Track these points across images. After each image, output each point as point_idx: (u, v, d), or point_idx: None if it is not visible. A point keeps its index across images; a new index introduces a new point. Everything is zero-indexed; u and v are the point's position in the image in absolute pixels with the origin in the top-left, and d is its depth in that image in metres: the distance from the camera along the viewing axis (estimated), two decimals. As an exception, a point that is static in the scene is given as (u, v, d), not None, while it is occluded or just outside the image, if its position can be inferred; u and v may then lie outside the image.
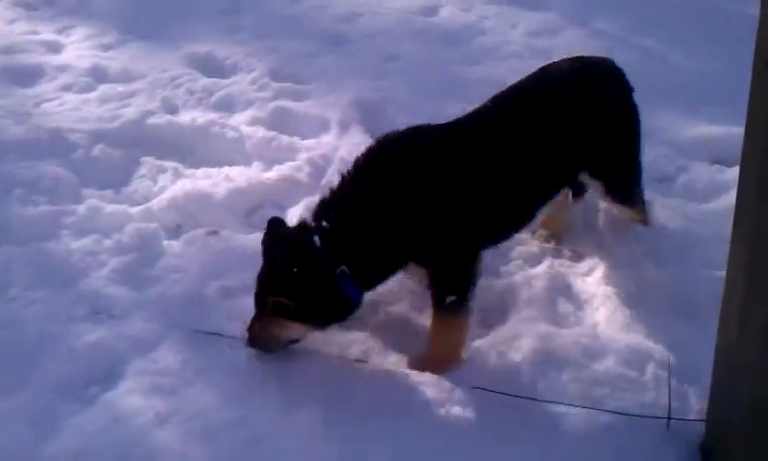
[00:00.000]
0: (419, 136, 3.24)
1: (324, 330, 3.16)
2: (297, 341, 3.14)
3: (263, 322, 3.06)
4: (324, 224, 3.05)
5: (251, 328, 3.08)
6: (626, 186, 3.78)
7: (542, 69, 3.63)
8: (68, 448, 2.75)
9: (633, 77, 5.53)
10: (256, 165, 4.49)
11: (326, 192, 3.19)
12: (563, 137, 3.41)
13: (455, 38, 6.19)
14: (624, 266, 3.70)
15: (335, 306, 3.05)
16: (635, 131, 3.72)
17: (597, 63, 3.78)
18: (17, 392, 2.99)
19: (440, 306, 3.19)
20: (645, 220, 3.92)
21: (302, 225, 3.10)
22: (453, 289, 3.17)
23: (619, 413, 2.90)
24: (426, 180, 3.11)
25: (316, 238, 3.01)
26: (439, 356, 3.18)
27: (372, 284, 3.17)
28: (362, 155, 3.22)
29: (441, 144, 3.22)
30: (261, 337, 3.08)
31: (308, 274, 2.97)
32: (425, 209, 3.09)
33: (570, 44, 6.02)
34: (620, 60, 5.83)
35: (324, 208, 3.12)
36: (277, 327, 3.06)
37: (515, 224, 3.49)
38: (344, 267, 2.99)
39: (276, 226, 3.12)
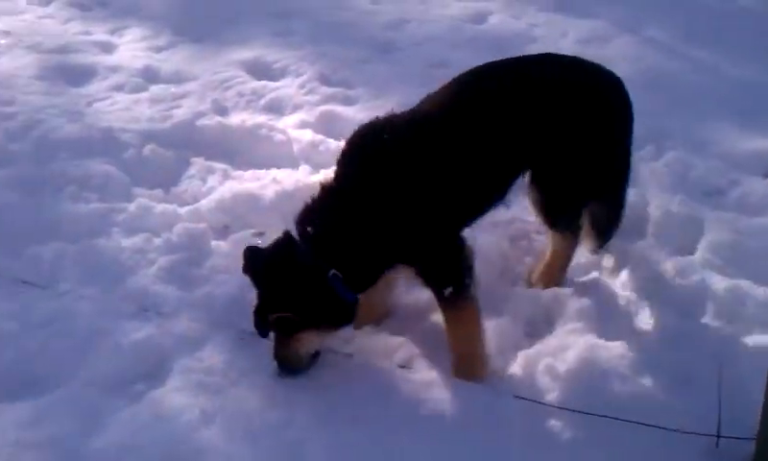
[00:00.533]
0: (381, 133, 3.18)
1: (334, 334, 3.15)
2: (317, 355, 3.14)
3: (282, 344, 3.07)
4: (309, 230, 3.05)
5: (276, 357, 3.08)
6: (558, 206, 3.53)
7: (517, 58, 3.53)
8: (113, 444, 2.78)
9: (683, 87, 5.50)
10: (303, 168, 4.51)
11: (308, 199, 3.16)
12: (514, 125, 3.29)
13: (505, 46, 6.13)
14: (674, 279, 3.64)
15: (333, 308, 3.02)
16: (598, 150, 3.44)
17: (590, 69, 3.53)
18: (65, 386, 3.03)
19: (441, 303, 3.15)
20: (564, 251, 3.67)
21: (286, 234, 3.09)
22: (446, 281, 3.11)
23: (667, 429, 2.85)
24: (392, 175, 3.06)
25: (301, 244, 3.02)
26: (462, 356, 3.15)
27: (360, 287, 3.11)
28: (337, 159, 3.22)
29: (403, 136, 3.15)
30: (286, 359, 3.08)
31: (300, 279, 2.97)
32: (397, 205, 3.03)
33: (620, 52, 5.98)
34: (671, 69, 5.83)
35: (307, 215, 3.11)
36: (293, 344, 3.05)
37: (484, 203, 3.41)
38: (334, 270, 2.97)
39: (251, 254, 3.13)
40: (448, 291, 3.10)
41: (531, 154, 3.38)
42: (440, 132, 3.18)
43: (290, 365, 3.08)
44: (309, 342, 3.07)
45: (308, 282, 2.96)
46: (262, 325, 3.04)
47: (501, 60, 3.46)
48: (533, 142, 3.34)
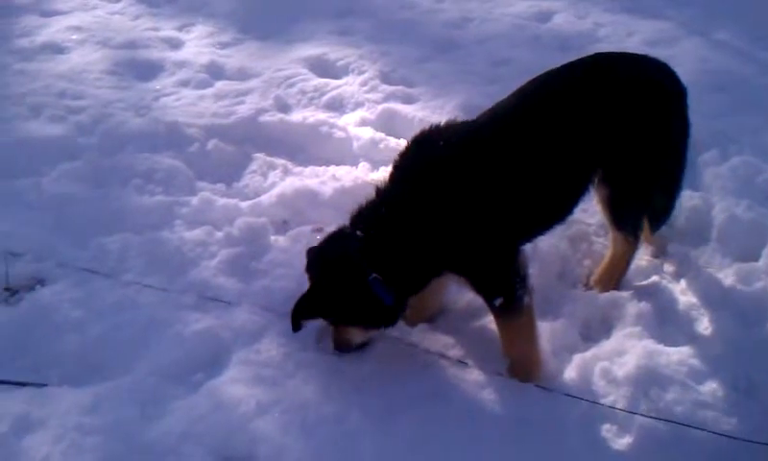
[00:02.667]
0: (438, 139, 3.15)
1: (381, 332, 3.19)
2: (365, 343, 3.22)
3: (334, 330, 3.19)
4: (359, 233, 3.05)
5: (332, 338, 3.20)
6: (628, 204, 3.49)
7: (579, 60, 3.44)
8: (172, 431, 2.85)
9: (750, 90, 5.36)
10: (363, 166, 4.54)
11: (363, 200, 3.17)
12: (585, 131, 3.23)
13: (568, 45, 6.09)
14: (737, 285, 3.56)
15: (371, 309, 3.04)
16: (665, 146, 3.42)
17: (646, 65, 3.48)
18: (127, 373, 3.12)
19: (493, 311, 3.13)
20: (625, 253, 3.62)
21: (339, 230, 3.15)
22: (497, 292, 3.09)
23: (726, 436, 2.81)
24: (445, 184, 3.03)
25: (350, 249, 3.04)
26: (515, 360, 3.14)
27: (407, 291, 3.12)
28: (393, 162, 3.21)
29: (460, 145, 3.11)
30: (336, 343, 3.19)
31: (341, 277, 3.03)
32: (447, 215, 3.01)
33: (687, 54, 5.86)
34: (738, 72, 5.69)
35: (359, 216, 3.12)
36: (342, 333, 3.17)
37: (547, 220, 3.35)
38: (376, 274, 2.98)
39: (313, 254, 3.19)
40: (499, 301, 3.08)
41: (602, 154, 3.32)
42: (500, 140, 3.15)
43: (340, 348, 3.19)
44: (354, 335, 3.16)
45: (348, 282, 3.01)
46: (295, 321, 3.10)
47: (563, 65, 3.40)
48: (604, 142, 3.28)
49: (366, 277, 2.98)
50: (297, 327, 3.13)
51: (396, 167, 3.18)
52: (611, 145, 3.29)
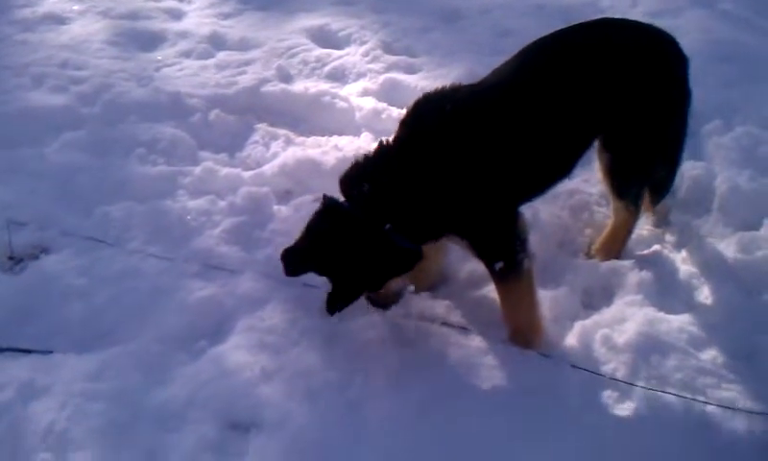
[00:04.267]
0: (444, 101, 3.11)
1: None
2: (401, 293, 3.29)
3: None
4: (365, 187, 2.98)
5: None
6: (630, 172, 3.47)
7: (582, 24, 3.41)
8: (177, 397, 2.88)
9: (755, 61, 5.33)
10: (365, 136, 4.53)
11: (360, 158, 3.10)
12: (586, 94, 3.20)
13: (572, 15, 6.01)
14: (738, 254, 3.57)
15: (397, 257, 2.99)
16: (666, 115, 3.40)
17: (648, 32, 3.43)
18: (132, 340, 3.14)
19: (493, 276, 3.12)
20: (626, 223, 3.61)
21: (325, 200, 3.05)
22: (497, 255, 3.07)
23: (723, 406, 2.83)
24: (449, 145, 2.99)
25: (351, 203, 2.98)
26: (515, 327, 3.15)
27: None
28: (400, 122, 3.15)
29: (465, 106, 3.08)
30: (372, 300, 3.24)
31: (358, 236, 2.93)
32: (450, 175, 2.97)
33: (692, 24, 5.83)
34: (743, 42, 5.66)
35: (360, 173, 3.04)
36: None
37: (546, 181, 3.33)
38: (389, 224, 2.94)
39: (289, 255, 3.04)
40: (499, 265, 3.07)
41: (604, 119, 3.30)
42: (503, 103, 3.13)
43: (378, 304, 3.25)
44: (387, 286, 3.17)
45: (367, 237, 2.93)
46: (332, 307, 2.97)
47: (566, 28, 3.38)
48: (607, 107, 3.27)
49: (381, 225, 2.94)
50: (293, 271, 3.03)
51: (401, 126, 3.14)
52: (612, 110, 3.27)
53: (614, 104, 3.26)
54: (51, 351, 3.11)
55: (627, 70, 3.24)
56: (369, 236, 2.93)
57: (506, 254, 3.06)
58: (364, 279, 3.00)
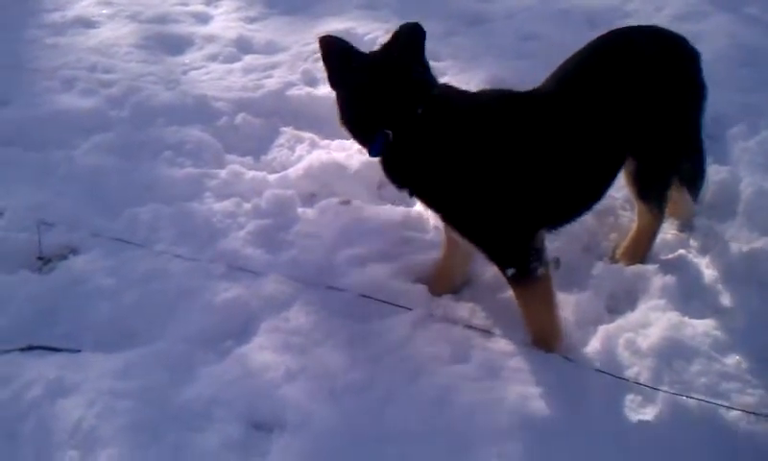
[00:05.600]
0: (476, 97, 3.14)
1: None
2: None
3: None
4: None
5: None
6: (653, 176, 3.47)
7: (602, 38, 3.38)
8: (202, 396, 2.90)
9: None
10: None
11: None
12: (617, 109, 3.19)
13: (597, 20, 6.03)
14: (763, 260, 3.55)
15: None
16: (683, 113, 3.42)
17: (657, 34, 3.45)
18: (159, 339, 3.18)
19: (508, 281, 3.10)
20: (650, 226, 3.60)
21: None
22: (508, 262, 3.05)
23: (747, 411, 2.81)
24: (473, 148, 2.97)
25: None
26: (535, 332, 3.14)
27: None
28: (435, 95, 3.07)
29: (496, 112, 3.06)
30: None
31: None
32: (461, 169, 2.97)
33: (717, 28, 5.80)
34: (768, 47, 5.62)
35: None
36: None
37: (575, 205, 3.29)
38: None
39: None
40: (512, 272, 3.06)
41: (631, 133, 3.29)
42: (542, 118, 3.10)
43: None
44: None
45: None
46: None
47: (582, 48, 3.36)
48: (630, 120, 3.25)
49: None
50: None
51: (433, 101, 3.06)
52: (635, 121, 3.27)
53: (635, 114, 3.25)
54: (79, 350, 3.16)
55: (645, 78, 3.24)
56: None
57: (518, 263, 3.04)
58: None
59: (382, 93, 3.00)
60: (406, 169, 3.07)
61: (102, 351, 3.14)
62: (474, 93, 3.18)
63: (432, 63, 5.18)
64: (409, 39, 3.06)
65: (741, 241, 3.71)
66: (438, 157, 2.98)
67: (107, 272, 3.52)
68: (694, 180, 3.72)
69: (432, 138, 2.97)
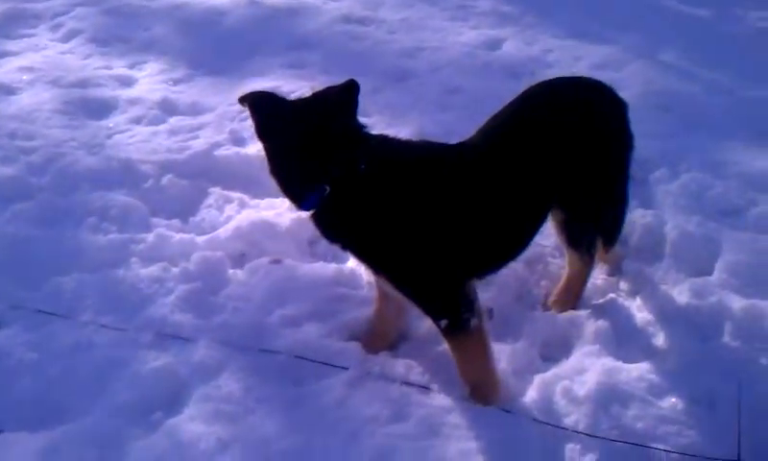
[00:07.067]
0: (413, 152, 3.15)
1: None
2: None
3: None
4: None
5: None
6: (582, 224, 3.53)
7: (530, 90, 3.46)
8: (133, 473, 2.79)
9: (697, 109, 5.50)
10: (320, 196, 4.52)
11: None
12: (544, 161, 3.24)
13: (519, 72, 6.18)
14: (692, 300, 3.62)
15: None
16: (610, 162, 3.49)
17: (585, 84, 3.57)
18: (85, 415, 3.06)
19: (442, 333, 3.07)
20: (581, 273, 3.65)
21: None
22: (440, 313, 3.04)
23: (686, 454, 2.84)
24: (406, 195, 2.99)
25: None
26: (472, 385, 3.11)
27: None
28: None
29: (429, 165, 3.08)
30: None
31: None
32: (399, 222, 2.97)
33: (634, 76, 5.99)
34: (685, 91, 5.84)
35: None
36: None
37: (502, 254, 3.32)
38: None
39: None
40: (444, 323, 3.04)
41: (556, 183, 3.34)
42: (473, 169, 3.13)
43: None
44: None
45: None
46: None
47: (509, 103, 3.41)
48: (557, 171, 3.30)
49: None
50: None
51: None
52: (563, 172, 3.32)
53: (564, 164, 3.30)
54: (2, 431, 3.02)
55: (572, 129, 3.30)
56: None
57: (450, 313, 3.03)
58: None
59: (322, 148, 2.95)
60: (340, 222, 3.05)
61: (26, 430, 3.00)
62: (407, 146, 3.17)
63: (360, 119, 5.26)
64: (345, 95, 3.04)
65: (669, 283, 3.79)
66: (373, 210, 2.98)
67: (29, 346, 3.38)
68: (611, 230, 3.76)
69: (370, 193, 2.96)
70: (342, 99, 3.03)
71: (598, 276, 3.86)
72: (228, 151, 5.03)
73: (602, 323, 3.47)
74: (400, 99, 5.85)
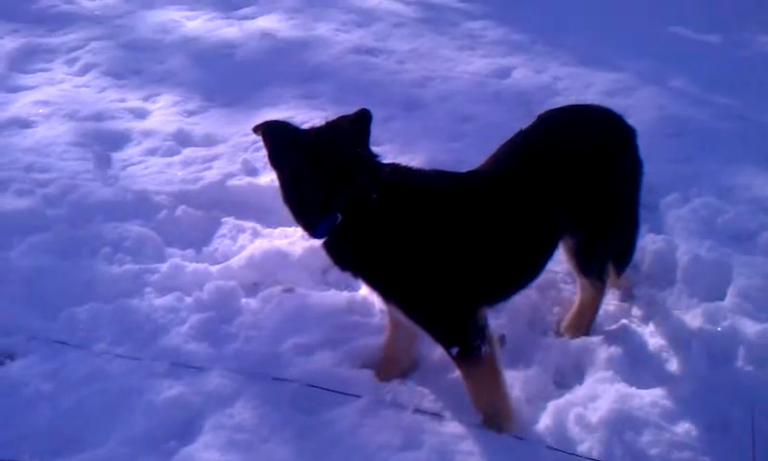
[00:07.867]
0: (425, 180, 3.17)
1: None
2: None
3: None
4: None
5: None
6: (593, 251, 3.54)
7: (540, 118, 3.49)
8: (147, 502, 2.80)
9: (708, 134, 5.51)
10: (332, 224, 4.55)
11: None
12: (554, 188, 3.27)
13: (529, 99, 6.22)
14: (705, 325, 3.62)
15: None
16: (620, 189, 3.52)
17: (594, 112, 3.61)
18: (100, 445, 3.07)
19: (454, 360, 3.09)
20: (593, 299, 3.66)
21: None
22: (452, 341, 3.05)
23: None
24: (417, 223, 3.01)
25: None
26: (485, 413, 3.11)
27: None
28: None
29: (441, 193, 3.12)
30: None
31: None
32: (410, 250, 2.99)
33: (645, 102, 6.01)
34: (696, 117, 5.85)
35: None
36: None
37: (514, 282, 3.34)
38: None
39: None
40: (456, 351, 3.05)
41: (567, 212, 3.36)
42: (485, 198, 3.16)
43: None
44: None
45: None
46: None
47: (517, 133, 3.44)
48: (567, 199, 3.32)
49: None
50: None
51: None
52: (574, 200, 3.34)
53: (575, 191, 3.32)
54: (17, 461, 3.03)
55: (583, 157, 3.33)
56: None
57: (461, 340, 3.03)
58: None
59: (334, 176, 2.99)
60: (351, 250, 3.07)
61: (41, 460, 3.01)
62: (419, 174, 3.19)
63: (372, 148, 5.30)
64: (357, 123, 3.08)
65: (682, 308, 3.79)
66: (385, 238, 3.00)
67: (45, 376, 3.40)
68: (622, 256, 3.78)
69: (382, 221, 2.99)
70: (354, 128, 3.07)
71: (610, 301, 3.86)
72: (240, 181, 5.07)
73: (615, 349, 3.48)
74: (411, 128, 5.90)
